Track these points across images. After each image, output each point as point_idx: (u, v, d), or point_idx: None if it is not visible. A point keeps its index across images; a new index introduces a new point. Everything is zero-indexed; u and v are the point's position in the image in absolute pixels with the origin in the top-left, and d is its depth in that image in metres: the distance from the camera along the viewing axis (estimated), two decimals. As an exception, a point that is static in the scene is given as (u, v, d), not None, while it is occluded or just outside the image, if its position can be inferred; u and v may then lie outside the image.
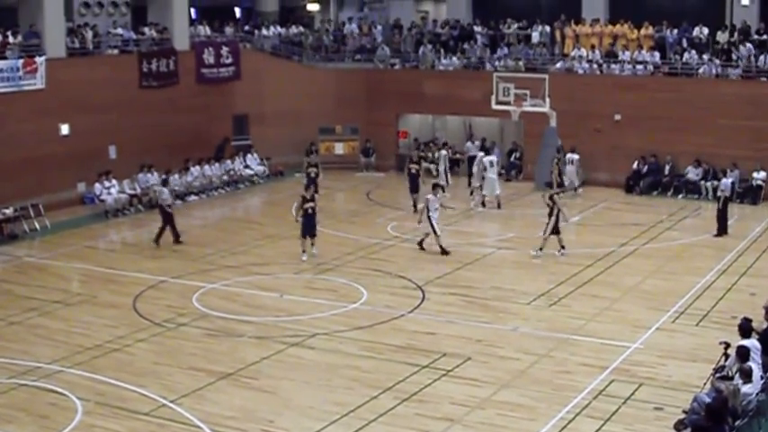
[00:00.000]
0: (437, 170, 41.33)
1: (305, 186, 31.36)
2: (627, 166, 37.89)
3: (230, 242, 30.46)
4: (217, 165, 38.75)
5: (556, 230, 28.31)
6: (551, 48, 42.35)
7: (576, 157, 37.32)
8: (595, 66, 40.33)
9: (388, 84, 43.21)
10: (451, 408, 17.88)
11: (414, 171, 35.04)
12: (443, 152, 38.25)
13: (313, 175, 34.89)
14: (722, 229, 30.88)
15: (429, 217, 28.55)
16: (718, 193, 31.84)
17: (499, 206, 35.00)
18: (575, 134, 37.82)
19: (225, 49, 40.69)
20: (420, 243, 29.04)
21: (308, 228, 28.23)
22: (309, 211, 28.19)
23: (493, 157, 36.07)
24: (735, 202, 35.18)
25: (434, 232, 28.52)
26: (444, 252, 28.35)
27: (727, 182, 31.88)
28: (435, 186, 30.11)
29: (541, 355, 20.55)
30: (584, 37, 41.64)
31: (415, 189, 34.66)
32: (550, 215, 28.26)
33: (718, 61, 38.17)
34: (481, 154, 36.42)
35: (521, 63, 41.43)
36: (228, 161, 39.48)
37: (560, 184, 36.67)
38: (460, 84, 41.44)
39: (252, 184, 39.86)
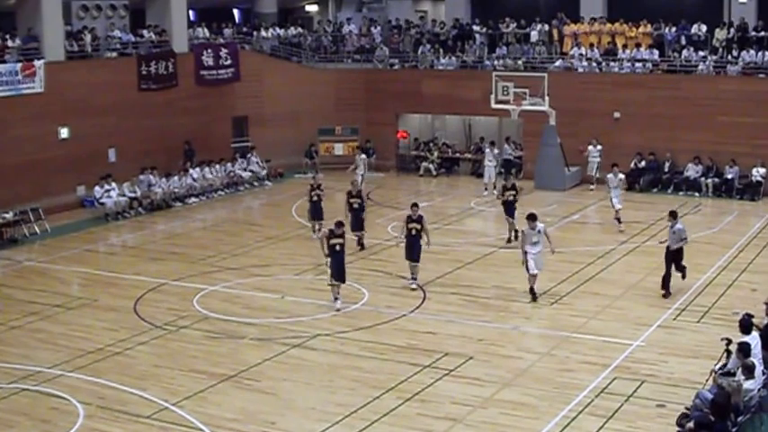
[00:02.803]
0: (436, 170, 41.54)
1: (311, 215, 30.02)
2: (627, 164, 37.89)
3: (231, 244, 30.43)
4: (217, 166, 38.72)
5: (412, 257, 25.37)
6: (550, 46, 42.35)
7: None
8: (594, 64, 40.35)
9: (388, 84, 43.23)
10: (454, 407, 17.85)
11: (356, 206, 29.17)
12: (488, 150, 38.11)
13: (315, 198, 30.63)
14: (666, 282, 24.30)
15: (524, 252, 24.07)
16: (671, 241, 24.41)
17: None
18: (574, 132, 37.82)
19: (224, 51, 40.64)
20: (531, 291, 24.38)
21: (339, 269, 23.67)
22: (338, 248, 23.62)
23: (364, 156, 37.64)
24: (735, 199, 35.37)
25: (527, 269, 24.13)
26: (534, 297, 24.13)
27: (680, 227, 24.43)
28: (531, 218, 24.32)
29: (543, 353, 20.54)
30: (583, 35, 41.68)
31: (359, 226, 29.32)
32: (417, 238, 25.47)
33: (714, 57, 38.19)
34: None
35: (520, 62, 41.47)
36: (229, 164, 39.45)
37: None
38: (460, 83, 41.46)
39: (252, 186, 39.84)
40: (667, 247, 24.36)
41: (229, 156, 40.24)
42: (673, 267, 24.18)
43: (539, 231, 24.02)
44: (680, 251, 24.19)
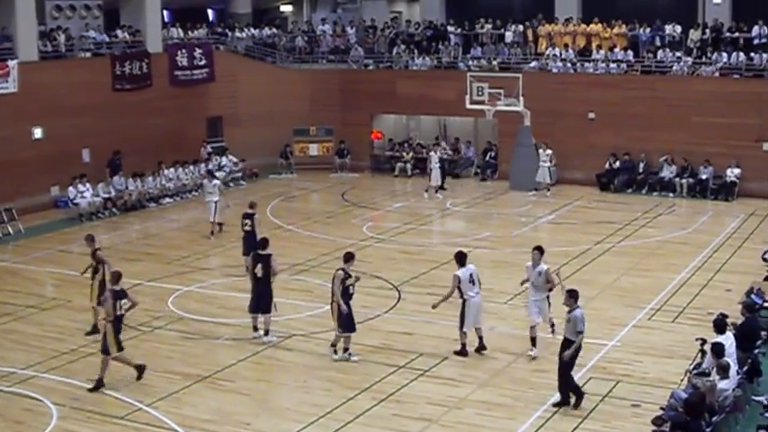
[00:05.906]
0: (411, 170, 41.53)
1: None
2: (601, 165, 37.99)
3: (205, 244, 30.35)
4: (191, 167, 38.54)
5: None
6: (525, 47, 42.41)
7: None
8: (569, 64, 40.43)
9: (362, 84, 43.19)
10: (429, 408, 17.85)
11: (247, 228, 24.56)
12: (432, 153, 37.74)
13: (248, 228, 25.80)
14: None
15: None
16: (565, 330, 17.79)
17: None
18: (549, 133, 37.86)
19: (198, 51, 40.54)
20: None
21: (351, 317, 19.93)
22: (351, 290, 20.00)
23: None
24: (709, 199, 35.55)
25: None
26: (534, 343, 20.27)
27: (578, 313, 17.36)
28: (536, 248, 20.13)
29: (518, 354, 20.52)
30: (558, 36, 41.76)
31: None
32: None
33: (690, 59, 38.34)
34: None
35: (495, 62, 41.52)
36: (203, 164, 39.29)
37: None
38: (434, 84, 41.45)
39: (226, 187, 39.63)
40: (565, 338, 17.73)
41: (204, 156, 40.07)
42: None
43: (539, 273, 19.99)
44: (571, 348, 17.44)
